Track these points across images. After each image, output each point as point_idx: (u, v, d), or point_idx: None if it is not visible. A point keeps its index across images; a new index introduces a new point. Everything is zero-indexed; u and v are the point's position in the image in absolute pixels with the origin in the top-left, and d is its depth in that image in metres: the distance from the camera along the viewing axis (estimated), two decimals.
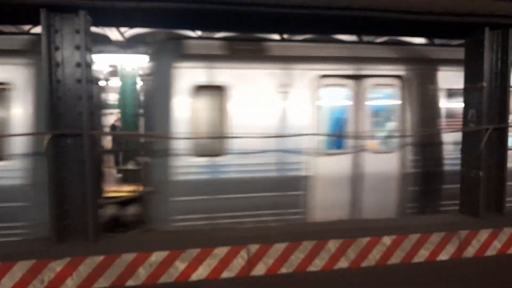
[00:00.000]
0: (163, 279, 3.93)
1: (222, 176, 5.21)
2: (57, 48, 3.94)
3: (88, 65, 4.02)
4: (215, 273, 4.04)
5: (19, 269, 3.66)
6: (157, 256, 3.97)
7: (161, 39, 5.55)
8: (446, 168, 5.87)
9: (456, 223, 4.88)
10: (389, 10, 4.46)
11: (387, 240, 4.49)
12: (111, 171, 9.14)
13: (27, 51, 4.80)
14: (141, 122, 6.60)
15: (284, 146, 5.29)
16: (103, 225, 4.85)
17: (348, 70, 5.63)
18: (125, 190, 7.29)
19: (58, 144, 4.01)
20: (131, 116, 11.09)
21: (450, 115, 5.88)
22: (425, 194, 5.86)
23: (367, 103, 5.74)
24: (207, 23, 5.00)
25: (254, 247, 4.19)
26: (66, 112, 4.00)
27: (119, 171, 9.13)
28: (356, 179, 5.74)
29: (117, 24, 5.77)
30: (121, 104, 11.55)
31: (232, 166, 5.22)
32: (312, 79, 5.46)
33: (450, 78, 5.87)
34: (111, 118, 12.11)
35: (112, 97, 13.86)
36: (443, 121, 5.88)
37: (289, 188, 5.38)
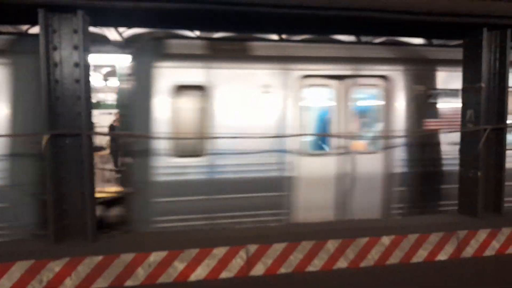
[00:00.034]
0: (162, 279, 3.92)
1: (204, 177, 5.15)
2: (55, 48, 3.94)
3: (87, 65, 4.02)
4: (214, 273, 4.04)
5: (18, 269, 3.65)
6: (156, 256, 3.96)
7: (142, 39, 5.50)
8: (433, 169, 5.83)
9: (455, 223, 4.89)
10: (388, 11, 4.47)
11: (386, 240, 4.50)
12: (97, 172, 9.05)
13: (4, 51, 4.74)
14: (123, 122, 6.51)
15: (267, 147, 5.25)
16: None
17: (332, 70, 5.58)
18: (109, 191, 7.23)
19: (57, 144, 4.00)
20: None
21: (436, 115, 5.85)
22: (411, 194, 5.82)
23: (351, 103, 5.70)
24: (206, 23, 5.00)
25: (253, 247, 4.19)
26: (64, 112, 4.00)
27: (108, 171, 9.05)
28: (340, 180, 5.69)
29: (115, 24, 5.74)
30: (120, 104, 11.51)
31: (213, 167, 5.17)
32: (295, 79, 5.42)
33: (437, 78, 5.85)
34: (110, 118, 12.09)
35: (110, 97, 13.85)
36: (428, 122, 5.83)
37: (272, 189, 5.35)
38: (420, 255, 4.54)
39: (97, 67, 12.97)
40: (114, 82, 13.47)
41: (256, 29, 5.71)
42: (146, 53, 5.19)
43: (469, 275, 4.25)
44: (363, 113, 5.96)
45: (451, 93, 5.87)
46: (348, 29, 5.73)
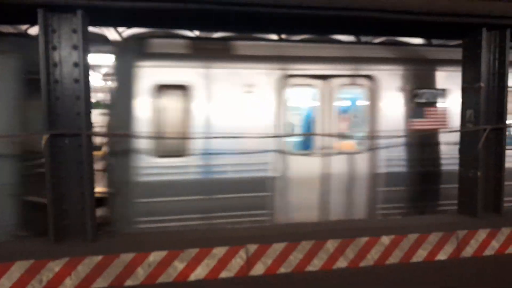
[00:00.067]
0: (162, 279, 3.92)
1: (185, 177, 5.11)
2: (54, 48, 3.94)
3: (86, 65, 4.02)
4: (213, 273, 4.04)
5: (17, 269, 3.65)
6: (155, 256, 3.96)
7: (123, 38, 5.47)
8: (418, 169, 5.80)
9: (454, 223, 4.90)
10: (388, 11, 4.47)
11: (385, 240, 4.50)
12: None
13: None
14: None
15: (250, 147, 5.22)
16: None
17: (315, 69, 5.55)
18: (96, 191, 7.15)
19: (56, 144, 4.00)
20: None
21: (422, 115, 5.81)
22: (395, 195, 5.79)
23: (335, 103, 5.67)
24: (205, 23, 4.99)
25: (252, 247, 4.20)
26: (64, 112, 4.00)
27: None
28: (324, 180, 5.68)
29: (114, 24, 5.74)
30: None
31: (195, 167, 5.14)
32: (278, 78, 5.39)
33: (423, 78, 5.82)
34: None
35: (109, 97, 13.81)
36: (414, 122, 5.79)
37: (255, 189, 5.33)
38: (420, 255, 4.54)
39: (96, 67, 12.97)
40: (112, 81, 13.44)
41: (256, 29, 5.71)
42: (128, 52, 5.16)
43: (468, 275, 4.26)
44: (348, 113, 5.93)
45: (437, 93, 5.87)
46: (348, 29, 5.74)
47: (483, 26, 4.89)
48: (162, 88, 5.10)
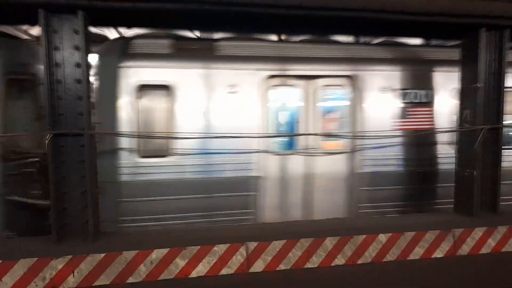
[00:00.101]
0: (163, 276, 3.98)
1: (169, 177, 5.14)
2: (56, 49, 3.96)
3: (88, 65, 4.05)
4: (214, 269, 4.11)
5: (20, 267, 3.70)
6: (157, 254, 4.02)
7: (107, 38, 5.43)
8: (400, 168, 5.85)
9: (451, 222, 4.96)
10: (386, 11, 4.50)
11: (382, 237, 4.57)
12: None
13: None
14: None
15: (234, 147, 5.24)
16: None
17: (298, 70, 5.56)
18: None
19: (58, 144, 4.04)
20: None
21: (404, 115, 5.83)
22: (378, 194, 5.83)
23: (318, 103, 5.70)
24: (205, 24, 5.01)
25: (252, 245, 4.26)
26: (66, 112, 4.03)
27: None
28: (307, 179, 5.71)
29: (115, 24, 5.74)
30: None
31: (179, 167, 5.16)
32: (261, 79, 5.41)
33: (406, 79, 5.83)
34: None
35: None
36: (396, 122, 5.82)
37: (239, 189, 5.36)
38: (417, 253, 4.61)
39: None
40: None
41: (256, 30, 5.72)
42: (111, 52, 5.17)
43: (465, 273, 4.32)
44: (330, 113, 5.94)
45: (420, 93, 5.89)
46: (348, 30, 5.75)
47: (482, 26, 4.92)
48: (145, 88, 5.11)
